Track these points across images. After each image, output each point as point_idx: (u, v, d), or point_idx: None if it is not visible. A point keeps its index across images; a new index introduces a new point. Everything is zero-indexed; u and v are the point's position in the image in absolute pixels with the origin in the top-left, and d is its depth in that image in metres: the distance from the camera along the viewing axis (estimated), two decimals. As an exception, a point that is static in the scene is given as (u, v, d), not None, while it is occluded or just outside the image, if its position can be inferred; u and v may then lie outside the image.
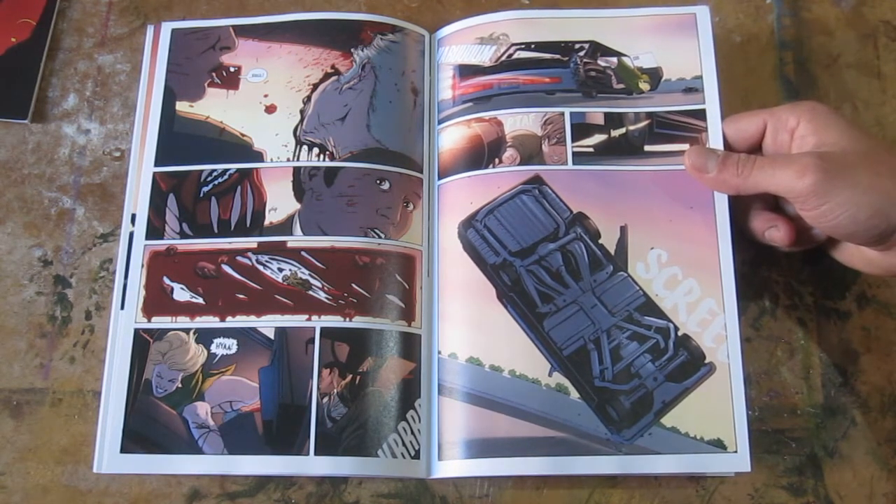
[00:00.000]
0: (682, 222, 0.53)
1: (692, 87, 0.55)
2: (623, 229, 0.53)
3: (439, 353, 0.52)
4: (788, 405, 0.53)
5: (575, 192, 0.54)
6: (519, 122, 0.55)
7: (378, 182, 0.55)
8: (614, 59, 0.57)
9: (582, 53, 0.57)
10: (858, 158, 0.46)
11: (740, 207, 0.53)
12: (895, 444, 0.52)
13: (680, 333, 0.51)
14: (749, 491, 0.52)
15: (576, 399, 0.50)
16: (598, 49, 0.57)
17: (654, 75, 0.56)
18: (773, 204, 0.53)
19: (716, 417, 0.49)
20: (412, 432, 0.50)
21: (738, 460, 0.49)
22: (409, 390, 0.51)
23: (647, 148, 0.54)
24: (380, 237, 0.54)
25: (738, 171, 0.50)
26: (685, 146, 0.54)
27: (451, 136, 0.56)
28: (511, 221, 0.53)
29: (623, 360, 0.51)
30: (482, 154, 0.55)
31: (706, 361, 0.51)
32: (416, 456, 0.50)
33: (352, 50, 0.58)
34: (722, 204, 0.52)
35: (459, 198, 0.54)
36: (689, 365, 0.51)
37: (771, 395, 0.53)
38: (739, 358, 0.50)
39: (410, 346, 0.52)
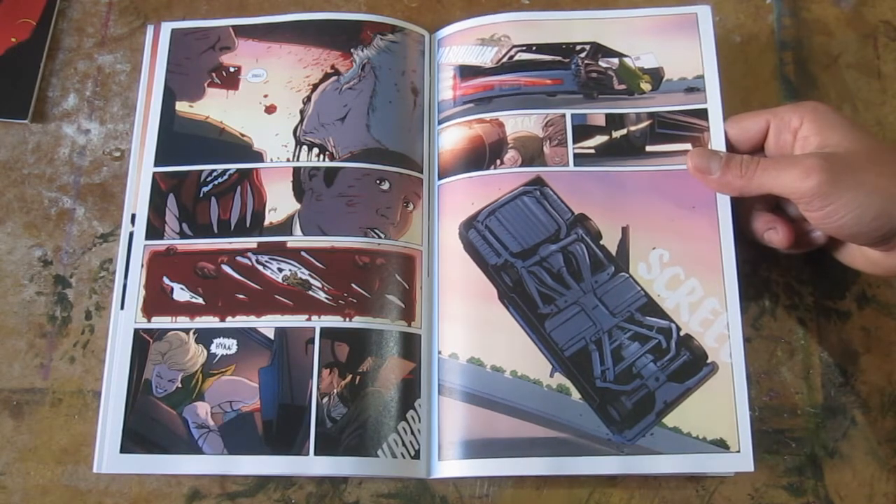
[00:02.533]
0: (683, 222, 0.53)
1: (694, 87, 0.55)
2: (624, 230, 0.53)
3: (440, 353, 0.52)
4: (788, 405, 0.53)
5: (576, 194, 0.54)
6: (520, 123, 0.55)
7: (378, 182, 0.55)
8: (615, 60, 0.57)
9: (583, 55, 0.57)
10: (862, 159, 0.46)
11: (741, 208, 0.53)
12: (895, 444, 0.52)
13: (682, 333, 0.51)
14: (749, 491, 0.52)
15: (577, 400, 0.50)
16: (599, 50, 0.57)
17: (656, 75, 0.56)
18: (773, 205, 0.53)
19: (718, 417, 0.49)
20: (412, 432, 0.50)
21: (740, 460, 0.49)
22: (409, 390, 0.51)
23: (649, 148, 0.54)
24: (380, 237, 0.54)
25: (741, 172, 0.49)
26: (687, 146, 0.54)
27: (452, 137, 0.56)
28: (512, 222, 0.53)
29: (625, 360, 0.51)
30: (483, 155, 0.55)
31: (708, 361, 0.50)
32: (416, 456, 0.50)
33: (351, 50, 0.58)
34: (724, 204, 0.52)
35: (460, 198, 0.54)
36: (691, 365, 0.51)
37: (771, 395, 0.53)
38: (742, 357, 0.50)
39: (410, 346, 0.52)
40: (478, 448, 0.49)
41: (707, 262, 0.52)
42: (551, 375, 0.50)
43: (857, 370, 0.54)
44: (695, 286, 0.52)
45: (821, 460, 0.52)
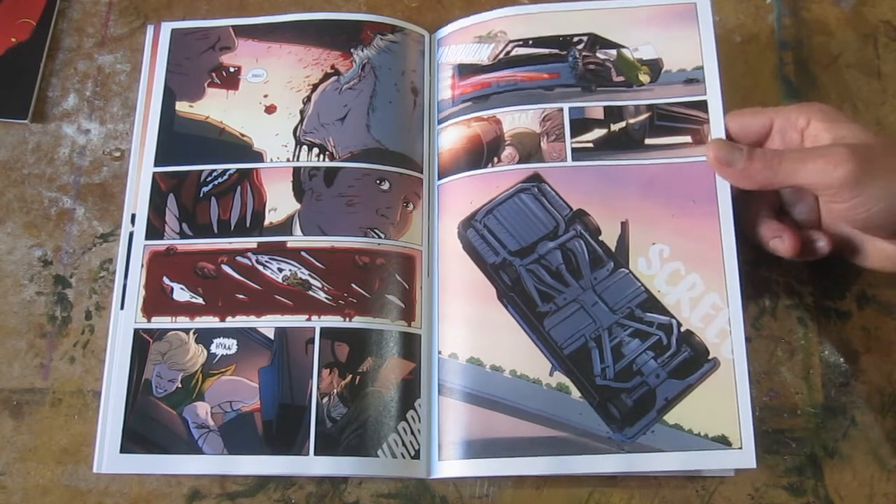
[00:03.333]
0: (684, 216, 0.52)
1: (693, 79, 0.55)
2: (624, 225, 0.53)
3: (440, 353, 0.52)
4: (788, 405, 0.53)
5: (574, 189, 0.54)
6: (518, 119, 0.55)
7: (378, 182, 0.55)
8: (613, 52, 0.56)
9: (580, 47, 0.56)
10: (884, 150, 0.46)
11: (745, 215, 0.52)
12: (895, 444, 0.52)
13: (683, 329, 0.51)
14: (749, 491, 0.52)
15: (577, 398, 0.50)
16: (596, 41, 0.57)
17: (655, 67, 0.56)
18: (777, 210, 0.53)
19: (720, 414, 0.49)
20: (412, 432, 0.50)
21: (742, 457, 0.48)
22: (409, 390, 0.51)
23: (648, 141, 0.54)
24: (379, 237, 0.54)
25: (765, 164, 0.48)
26: (687, 138, 0.54)
27: (451, 136, 0.56)
28: (510, 221, 0.53)
29: (625, 357, 0.51)
30: (481, 153, 0.55)
31: (710, 357, 0.50)
32: (416, 456, 0.50)
33: (351, 50, 0.58)
34: (725, 196, 0.52)
35: (459, 197, 0.54)
36: (693, 361, 0.50)
37: (771, 395, 0.53)
38: (744, 353, 0.50)
39: (410, 346, 0.52)
40: (478, 448, 0.49)
41: (708, 257, 0.51)
42: (550, 374, 0.50)
43: (857, 370, 0.54)
44: (695, 281, 0.51)
45: (821, 460, 0.52)
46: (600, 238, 0.53)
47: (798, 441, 0.52)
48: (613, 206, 0.53)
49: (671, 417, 0.49)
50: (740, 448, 0.48)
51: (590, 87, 0.56)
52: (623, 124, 0.55)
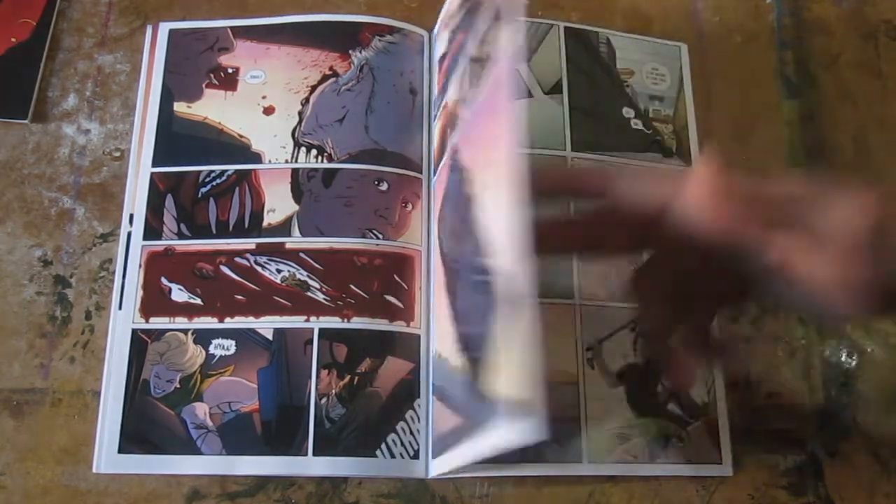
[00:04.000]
0: None
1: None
2: None
3: (439, 354, 0.52)
4: (788, 405, 0.53)
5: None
6: None
7: (376, 183, 0.55)
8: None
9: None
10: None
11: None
12: (895, 444, 0.52)
13: None
14: (749, 491, 0.52)
15: None
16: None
17: None
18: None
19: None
20: (411, 432, 0.50)
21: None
22: (408, 390, 0.51)
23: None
24: (378, 238, 0.53)
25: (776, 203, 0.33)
26: None
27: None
28: None
29: None
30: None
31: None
32: (416, 456, 0.50)
33: (350, 51, 0.58)
34: None
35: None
36: None
37: (771, 395, 0.53)
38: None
39: (409, 347, 0.52)
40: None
41: None
42: None
43: (857, 370, 0.54)
44: None
45: (821, 460, 0.52)
46: None
47: (798, 441, 0.52)
48: None
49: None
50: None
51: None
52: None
